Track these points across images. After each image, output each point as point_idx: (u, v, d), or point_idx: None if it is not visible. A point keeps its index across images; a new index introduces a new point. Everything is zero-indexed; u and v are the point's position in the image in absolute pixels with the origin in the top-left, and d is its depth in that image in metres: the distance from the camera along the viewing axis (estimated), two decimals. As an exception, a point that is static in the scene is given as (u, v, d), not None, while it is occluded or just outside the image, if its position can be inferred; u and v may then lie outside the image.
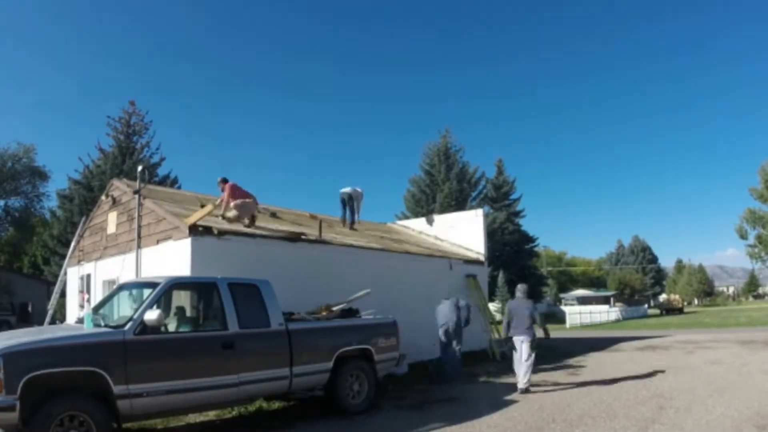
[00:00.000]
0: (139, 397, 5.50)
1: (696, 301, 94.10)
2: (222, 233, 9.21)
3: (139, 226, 10.04)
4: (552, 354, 15.04)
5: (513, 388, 9.41)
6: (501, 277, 38.62)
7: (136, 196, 10.18)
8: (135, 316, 5.74)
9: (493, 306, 17.58)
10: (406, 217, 34.71)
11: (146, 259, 9.83)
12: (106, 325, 5.98)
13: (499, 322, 15.70)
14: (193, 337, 6.36)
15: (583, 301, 63.78)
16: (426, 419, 7.18)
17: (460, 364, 11.11)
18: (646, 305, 57.53)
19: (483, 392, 9.16)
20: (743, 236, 40.16)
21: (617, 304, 57.51)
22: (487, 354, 14.23)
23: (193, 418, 7.42)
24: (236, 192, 10.13)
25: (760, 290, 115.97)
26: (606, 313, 41.66)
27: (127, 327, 5.63)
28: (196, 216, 9.05)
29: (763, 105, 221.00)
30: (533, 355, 8.97)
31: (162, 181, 30.34)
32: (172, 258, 9.05)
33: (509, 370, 11.68)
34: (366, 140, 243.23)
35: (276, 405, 8.22)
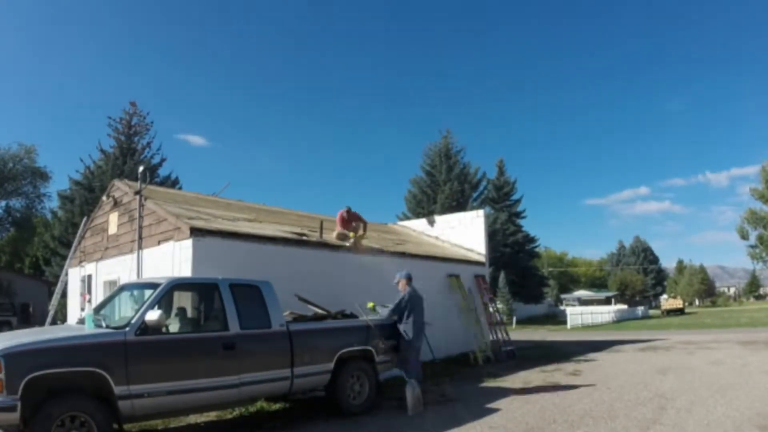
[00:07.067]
0: (141, 398, 5.50)
1: (697, 302, 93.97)
2: (224, 234, 9.22)
3: (140, 227, 10.04)
4: (553, 355, 15.04)
5: (514, 389, 9.42)
6: (502, 278, 38.63)
7: (137, 196, 10.18)
8: (136, 317, 5.74)
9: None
10: (407, 218, 34.73)
11: (147, 260, 9.83)
12: (107, 326, 5.99)
13: (497, 323, 15.70)
14: (194, 338, 6.36)
15: (584, 302, 63.83)
16: (427, 420, 7.18)
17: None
18: (642, 307, 57.14)
19: (484, 393, 9.15)
20: (744, 237, 40.05)
21: (618, 304, 57.47)
22: (468, 358, 13.39)
23: (194, 418, 7.42)
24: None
25: (761, 291, 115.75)
26: (607, 314, 41.68)
27: (128, 328, 5.64)
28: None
29: (765, 105, 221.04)
30: None
31: (163, 182, 30.40)
32: (173, 259, 9.06)
33: (504, 372, 11.72)
34: (368, 141, 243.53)
35: (277, 406, 8.23)
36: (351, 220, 11.90)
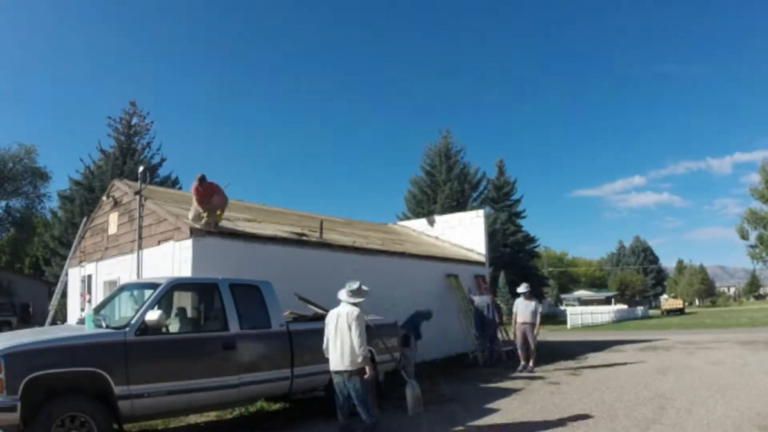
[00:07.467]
0: (140, 398, 5.50)
1: (697, 302, 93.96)
2: (224, 234, 9.22)
3: (140, 227, 10.04)
4: (553, 355, 15.03)
5: (514, 389, 9.42)
6: (502, 278, 38.62)
7: (137, 196, 10.18)
8: (136, 317, 5.74)
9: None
10: (407, 218, 34.70)
11: (147, 260, 9.83)
12: (107, 326, 5.99)
13: (500, 324, 15.68)
14: (194, 338, 6.36)
15: (584, 301, 63.82)
16: (427, 420, 7.17)
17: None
18: (642, 307, 57.08)
19: (484, 393, 9.15)
20: (744, 237, 39.99)
21: (618, 304, 57.41)
22: (468, 358, 13.50)
23: (194, 418, 7.42)
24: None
25: (761, 291, 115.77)
26: (607, 314, 41.68)
27: (128, 328, 5.63)
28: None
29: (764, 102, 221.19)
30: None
31: (163, 182, 30.39)
32: (173, 259, 9.06)
33: (504, 372, 11.72)
34: (367, 141, 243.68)
35: (277, 406, 8.23)
36: (210, 193, 9.14)
